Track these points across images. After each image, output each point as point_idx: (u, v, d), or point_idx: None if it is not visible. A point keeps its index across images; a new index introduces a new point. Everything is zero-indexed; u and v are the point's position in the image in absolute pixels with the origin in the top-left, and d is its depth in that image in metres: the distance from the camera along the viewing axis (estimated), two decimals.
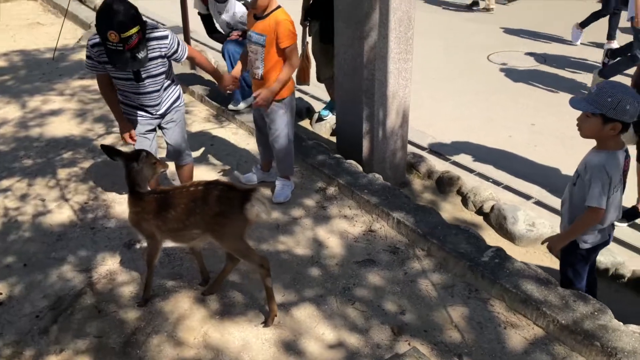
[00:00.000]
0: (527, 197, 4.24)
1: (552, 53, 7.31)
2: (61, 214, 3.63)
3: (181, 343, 2.59)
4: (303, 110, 5.45)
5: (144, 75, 3.08)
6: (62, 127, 4.87)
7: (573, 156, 4.50)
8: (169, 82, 3.29)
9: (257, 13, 3.28)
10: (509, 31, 8.31)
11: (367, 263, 3.03)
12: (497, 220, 3.83)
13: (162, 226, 2.65)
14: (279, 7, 3.30)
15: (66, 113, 5.17)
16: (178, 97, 3.39)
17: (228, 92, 3.61)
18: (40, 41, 7.55)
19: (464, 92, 5.99)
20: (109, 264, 3.16)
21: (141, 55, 2.88)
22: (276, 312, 2.65)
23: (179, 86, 3.41)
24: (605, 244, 2.70)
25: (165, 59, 3.14)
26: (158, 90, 3.21)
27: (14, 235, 3.44)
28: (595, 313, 2.43)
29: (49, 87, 5.82)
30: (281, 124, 3.45)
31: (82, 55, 6.89)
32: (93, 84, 5.83)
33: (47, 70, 6.36)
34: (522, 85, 6.30)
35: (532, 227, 3.69)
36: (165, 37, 3.06)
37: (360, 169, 3.93)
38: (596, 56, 7.02)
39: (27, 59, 6.83)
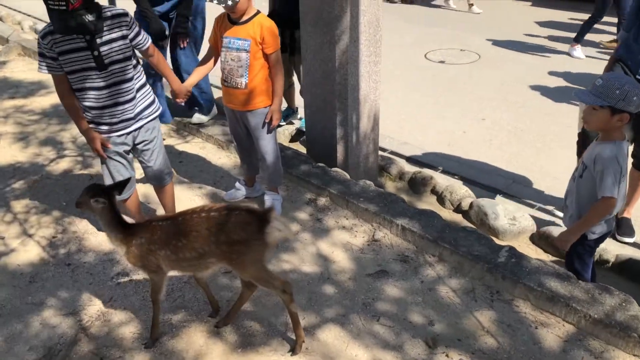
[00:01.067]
0: (495, 191, 4.34)
1: (487, 50, 7.58)
2: (28, 252, 3.25)
3: None
4: None
5: (106, 61, 2.69)
6: (4, 153, 4.39)
7: (526, 148, 4.77)
8: (139, 80, 2.92)
9: (235, 18, 3.09)
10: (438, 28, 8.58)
11: (380, 275, 2.94)
12: (478, 216, 3.86)
13: (170, 256, 2.40)
14: (258, 11, 3.15)
15: (4, 138, 4.67)
16: (152, 102, 3.02)
17: (179, 102, 3.30)
18: None
19: (408, 90, 6.07)
20: (98, 304, 2.85)
21: (88, 18, 2.47)
22: (303, 338, 2.50)
23: (151, 91, 3.06)
24: (608, 233, 2.78)
25: (128, 42, 2.77)
26: (128, 81, 2.81)
27: None
28: (623, 304, 2.48)
29: None
30: (266, 131, 3.29)
31: (4, 72, 6.31)
32: (27, 103, 5.35)
33: None
34: (465, 80, 6.49)
35: (514, 221, 3.75)
36: (125, 14, 2.73)
37: (348, 176, 3.83)
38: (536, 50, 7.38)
39: None
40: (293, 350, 2.48)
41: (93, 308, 2.82)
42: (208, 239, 2.33)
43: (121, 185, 2.56)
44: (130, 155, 3.05)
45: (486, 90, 6.13)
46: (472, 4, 9.22)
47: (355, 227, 3.34)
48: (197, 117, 4.63)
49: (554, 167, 4.51)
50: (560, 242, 2.76)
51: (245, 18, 3.06)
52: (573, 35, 7.23)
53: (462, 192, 4.09)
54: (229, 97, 3.26)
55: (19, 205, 3.68)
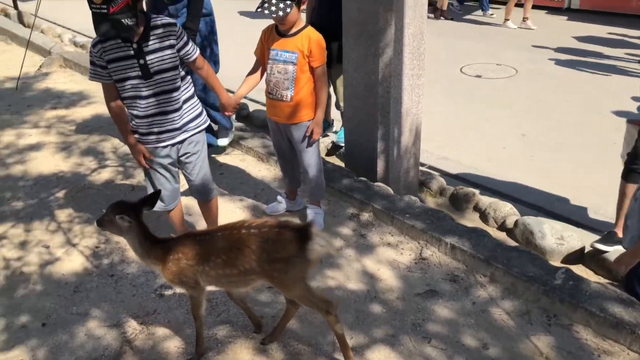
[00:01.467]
0: (538, 209, 4.22)
1: (524, 65, 7.46)
2: (72, 262, 3.25)
3: None
4: None
5: (152, 70, 2.68)
6: (47, 163, 4.44)
7: (569, 165, 4.64)
8: (187, 91, 2.88)
9: (284, 30, 3.07)
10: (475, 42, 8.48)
11: (429, 295, 2.84)
12: (524, 235, 3.73)
13: (209, 272, 2.33)
14: (307, 24, 3.12)
15: (47, 147, 4.73)
16: (200, 114, 2.97)
17: (228, 115, 3.29)
18: None
19: (445, 104, 5.98)
20: (141, 316, 2.82)
21: (128, 21, 2.48)
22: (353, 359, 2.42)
23: (199, 103, 3.02)
24: None
25: (176, 53, 2.74)
26: (174, 91, 2.79)
27: (23, 289, 3.04)
28: None
29: (20, 120, 5.33)
30: (313, 146, 3.26)
31: (46, 83, 6.43)
32: (69, 114, 5.42)
33: (13, 102, 5.85)
34: (502, 95, 6.38)
35: (562, 241, 3.60)
36: (173, 24, 2.72)
37: (391, 191, 3.75)
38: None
39: None
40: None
41: (137, 320, 2.79)
42: (249, 257, 2.25)
43: (149, 201, 2.45)
44: (175, 168, 3.03)
45: (525, 105, 6.01)
46: (526, 18, 8.98)
47: (401, 244, 3.25)
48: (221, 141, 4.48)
49: (598, 186, 4.36)
50: (618, 265, 2.63)
51: (293, 30, 3.04)
52: (611, 49, 7.08)
53: (507, 209, 3.98)
54: (274, 109, 3.22)
55: (62, 215, 3.70)
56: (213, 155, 4.47)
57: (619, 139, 5.07)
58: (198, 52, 2.85)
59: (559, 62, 7.40)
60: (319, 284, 2.95)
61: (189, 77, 2.91)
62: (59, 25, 9.17)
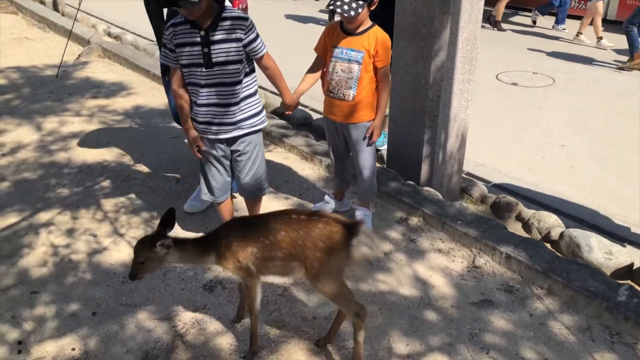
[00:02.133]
0: (580, 221, 4.14)
1: (561, 74, 7.35)
2: (120, 252, 3.23)
3: None
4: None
5: (214, 60, 2.65)
6: (91, 151, 4.45)
7: (610, 178, 4.55)
8: (248, 88, 2.83)
9: (351, 28, 3.02)
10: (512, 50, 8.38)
11: (485, 304, 2.78)
12: (570, 248, 3.65)
13: (257, 254, 2.29)
14: (374, 24, 3.07)
15: (90, 136, 4.74)
16: (259, 113, 2.90)
17: (288, 113, 3.23)
18: (34, 57, 7.06)
19: (482, 111, 5.90)
20: (191, 311, 2.79)
21: None
22: None
23: (260, 101, 2.95)
24: None
25: (242, 47, 2.69)
26: (233, 85, 2.74)
27: (72, 277, 3.03)
28: None
29: (62, 108, 5.36)
30: (370, 148, 3.21)
31: (86, 72, 6.46)
32: (110, 103, 5.44)
33: (54, 89, 5.89)
34: (539, 104, 6.29)
35: (610, 256, 3.52)
36: (244, 18, 2.68)
37: (441, 197, 3.70)
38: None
39: (27, 76, 6.33)
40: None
41: (187, 315, 2.76)
42: (295, 241, 2.23)
43: (167, 222, 2.35)
44: (227, 162, 3.00)
45: (563, 115, 5.92)
46: (600, 37, 8.57)
47: (452, 251, 3.19)
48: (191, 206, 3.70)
49: None
50: None
51: (361, 29, 2.99)
52: None
53: (552, 220, 3.90)
54: (333, 108, 3.18)
55: (108, 204, 3.70)
56: None
57: None
58: (266, 50, 2.80)
59: (596, 72, 7.29)
60: (370, 288, 2.90)
61: (254, 74, 2.87)
62: (93, 15, 9.25)
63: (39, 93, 5.75)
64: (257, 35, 2.74)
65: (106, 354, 2.55)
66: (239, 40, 2.68)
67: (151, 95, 5.71)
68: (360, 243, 2.20)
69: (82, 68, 6.60)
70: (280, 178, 4.04)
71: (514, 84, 7.13)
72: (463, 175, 4.65)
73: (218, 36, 2.64)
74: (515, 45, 8.64)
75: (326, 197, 3.60)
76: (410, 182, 3.83)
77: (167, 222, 2.35)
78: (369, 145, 3.19)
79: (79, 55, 7.03)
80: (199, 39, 2.64)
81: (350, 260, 2.25)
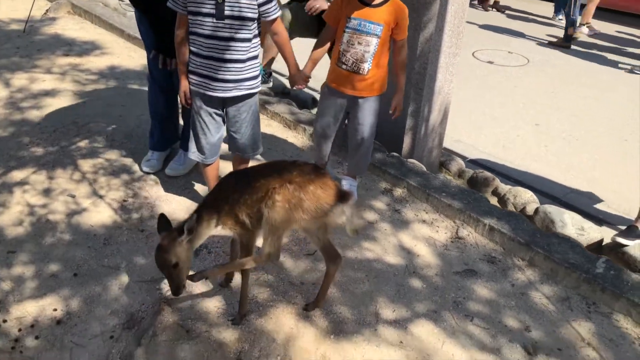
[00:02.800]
0: (552, 198, 4.27)
1: (535, 55, 7.46)
2: (99, 214, 3.15)
3: None
4: (308, 102, 5.18)
5: (227, 12, 2.57)
6: (65, 110, 4.28)
7: (583, 158, 4.70)
8: (253, 49, 2.75)
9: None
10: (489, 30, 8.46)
11: (468, 274, 2.84)
12: (544, 223, 3.75)
13: (247, 200, 2.25)
14: None
15: (64, 94, 4.56)
16: (257, 76, 2.84)
17: (298, 89, 3.14)
18: None
19: (458, 87, 5.94)
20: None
21: None
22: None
23: (259, 65, 2.89)
24: None
25: (256, 5, 2.60)
26: (241, 41, 2.66)
27: (50, 237, 2.94)
28: None
29: (31, 64, 5.13)
30: (373, 121, 3.14)
31: (55, 29, 6.19)
32: (82, 62, 5.24)
33: (21, 44, 5.62)
34: (515, 83, 6.39)
35: (582, 231, 3.64)
36: None
37: (425, 169, 3.73)
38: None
39: None
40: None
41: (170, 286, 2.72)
42: (290, 201, 2.18)
43: (164, 225, 2.31)
44: (221, 119, 2.93)
45: (537, 95, 6.04)
46: (588, 24, 8.53)
47: (436, 222, 3.24)
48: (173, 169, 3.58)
49: (612, 181, 4.43)
50: None
51: (380, 0, 2.87)
52: (620, 47, 7.18)
53: (527, 196, 4.00)
54: (343, 81, 3.03)
55: (86, 165, 3.58)
56: None
57: (629, 135, 5.17)
58: (279, 14, 2.72)
59: (571, 55, 7.44)
60: (357, 255, 2.92)
61: (258, 38, 2.79)
62: None
63: (5, 48, 5.48)
64: None
65: (89, 315, 2.49)
66: None
67: (126, 55, 5.51)
68: (343, 210, 2.23)
69: (51, 24, 6.31)
70: (264, 146, 3.96)
71: (490, 62, 7.21)
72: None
73: None
74: (497, 26, 8.71)
75: None
76: (395, 154, 3.84)
77: (164, 225, 2.30)
78: (376, 120, 3.14)
79: (47, 11, 6.71)
80: None
81: (322, 218, 2.25)
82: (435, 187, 3.40)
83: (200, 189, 3.40)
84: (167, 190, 3.37)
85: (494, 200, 4.10)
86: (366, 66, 2.95)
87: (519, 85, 6.35)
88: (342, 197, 2.24)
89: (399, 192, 3.49)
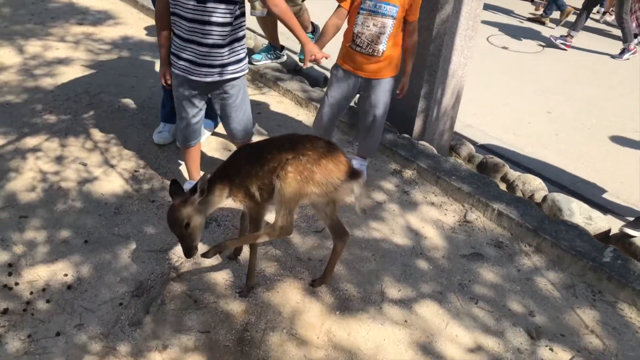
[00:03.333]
0: (560, 187, 4.26)
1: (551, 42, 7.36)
2: (111, 183, 3.18)
3: (305, 342, 2.31)
4: (320, 80, 5.15)
5: None
6: (79, 79, 4.29)
7: (594, 147, 4.67)
8: (236, 32, 2.64)
9: None
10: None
11: (474, 257, 2.85)
12: (551, 211, 3.75)
13: (259, 172, 2.24)
14: None
15: (77, 63, 4.56)
16: (243, 59, 2.75)
17: (310, 64, 2.88)
18: None
19: (471, 72, 5.89)
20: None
21: None
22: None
23: (245, 47, 2.78)
24: None
25: None
26: (222, 25, 2.56)
27: (62, 204, 2.97)
28: None
29: (45, 31, 5.13)
30: (386, 102, 3.12)
31: None
32: (96, 32, 5.23)
33: (35, 11, 5.61)
34: (529, 70, 6.33)
35: (590, 221, 3.63)
36: None
37: (435, 151, 3.72)
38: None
39: None
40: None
41: (181, 249, 2.75)
42: (294, 150, 2.19)
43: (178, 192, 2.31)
44: (203, 104, 2.85)
45: (551, 83, 5.99)
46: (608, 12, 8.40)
47: (444, 205, 3.24)
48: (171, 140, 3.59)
49: (622, 171, 4.41)
50: None
51: None
52: None
53: (536, 183, 3.99)
54: (357, 63, 2.99)
55: (98, 134, 3.60)
56: (249, 94, 4.36)
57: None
58: None
59: (587, 43, 7.35)
60: (364, 235, 2.94)
61: (244, 17, 2.69)
62: None
63: (19, 14, 5.48)
64: None
65: (99, 281, 2.53)
66: None
67: (139, 27, 5.50)
68: (352, 187, 2.24)
69: None
70: (274, 122, 3.98)
71: (504, 47, 7.14)
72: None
73: None
74: (511, 10, 8.61)
75: None
76: (406, 135, 3.83)
77: (178, 193, 2.30)
78: (389, 101, 3.13)
79: None
80: None
81: (331, 194, 2.24)
82: (445, 170, 3.39)
83: (210, 161, 3.41)
84: (177, 161, 3.38)
85: (502, 187, 4.10)
86: (381, 48, 2.93)
87: (532, 72, 6.29)
88: (353, 174, 2.25)
89: (408, 173, 3.49)
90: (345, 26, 3.08)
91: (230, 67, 2.71)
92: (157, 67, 4.62)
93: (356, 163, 3.37)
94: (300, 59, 4.47)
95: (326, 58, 2.81)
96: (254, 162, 2.27)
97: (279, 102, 4.27)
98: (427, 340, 2.36)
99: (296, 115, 4.12)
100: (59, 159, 3.31)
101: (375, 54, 2.94)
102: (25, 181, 3.10)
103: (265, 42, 4.88)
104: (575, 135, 4.97)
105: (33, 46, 4.78)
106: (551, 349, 2.36)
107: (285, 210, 2.20)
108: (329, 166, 2.19)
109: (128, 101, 4.04)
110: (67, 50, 4.77)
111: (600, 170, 4.42)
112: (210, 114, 3.48)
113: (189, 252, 2.28)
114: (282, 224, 2.22)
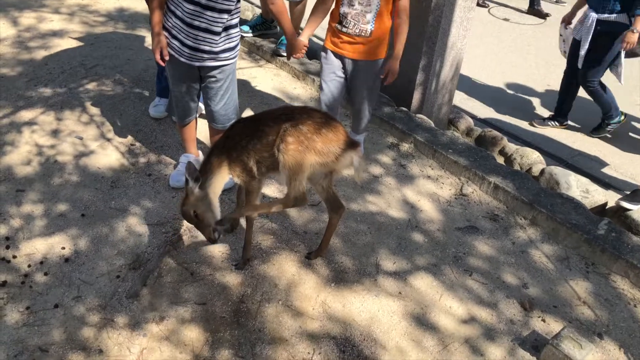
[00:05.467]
0: (559, 160, 4.26)
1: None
2: (107, 156, 3.18)
3: (300, 314, 2.34)
4: (319, 52, 5.08)
5: None
6: (73, 52, 4.25)
7: (594, 122, 4.63)
8: (233, 18, 2.58)
9: None
10: None
11: (470, 230, 2.87)
12: (549, 184, 3.75)
13: (257, 144, 2.24)
14: None
15: (72, 35, 4.51)
16: (235, 47, 2.69)
17: (297, 57, 2.88)
18: None
19: (472, 45, 5.81)
20: (182, 219, 2.78)
21: None
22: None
23: (238, 34, 2.71)
24: None
25: None
26: (222, 12, 2.49)
27: (58, 178, 2.98)
28: None
29: (39, 3, 5.06)
30: (376, 84, 3.02)
31: None
32: (91, 3, 5.16)
33: None
34: (529, 42, 6.26)
35: (587, 194, 3.64)
36: None
37: (433, 124, 3.70)
38: None
39: None
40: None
41: (178, 222, 2.77)
42: (292, 120, 2.19)
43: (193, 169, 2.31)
44: (197, 85, 2.78)
45: (551, 56, 5.92)
46: None
47: (441, 178, 3.25)
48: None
49: (620, 145, 4.39)
50: None
51: None
52: None
53: (534, 157, 3.98)
54: (344, 44, 2.86)
55: (93, 108, 3.59)
56: (245, 67, 4.33)
57: None
58: None
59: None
60: (360, 208, 2.95)
61: (239, 4, 2.61)
62: None
63: None
64: None
65: (97, 254, 2.55)
66: None
67: None
68: (352, 157, 2.24)
69: None
70: (271, 95, 3.96)
71: (506, 19, 7.05)
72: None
73: None
74: None
75: None
76: (404, 109, 3.81)
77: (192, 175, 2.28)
78: (379, 83, 3.01)
79: None
80: None
81: (333, 164, 2.24)
82: (442, 143, 3.39)
83: (204, 136, 3.40)
84: (173, 135, 3.38)
85: (500, 160, 4.10)
86: (369, 28, 2.79)
87: (532, 45, 6.22)
88: (352, 144, 2.25)
89: (405, 147, 3.49)
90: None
91: (223, 55, 2.65)
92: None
93: (354, 137, 3.36)
94: (278, 48, 4.39)
95: (306, 46, 2.81)
96: (250, 136, 2.26)
97: (275, 75, 4.24)
98: (421, 311, 2.39)
99: (293, 88, 4.09)
100: (55, 133, 3.31)
101: (363, 34, 2.81)
102: (21, 155, 3.10)
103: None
104: (574, 109, 4.92)
105: (27, 18, 4.72)
106: (543, 320, 2.39)
107: (294, 181, 2.20)
108: (329, 135, 2.19)
109: (123, 74, 4.01)
110: (61, 22, 4.71)
111: (599, 144, 4.41)
112: None
113: (209, 238, 2.35)
114: (296, 194, 2.22)
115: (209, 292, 2.40)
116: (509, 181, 3.07)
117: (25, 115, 3.43)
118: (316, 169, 2.26)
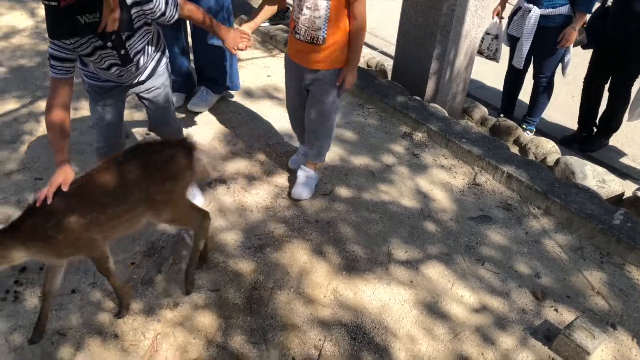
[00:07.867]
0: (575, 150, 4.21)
1: None
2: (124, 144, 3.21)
3: (312, 301, 2.36)
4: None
5: (132, 53, 2.26)
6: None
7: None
8: (148, 38, 2.34)
9: None
10: None
11: (483, 220, 2.86)
12: (564, 174, 3.71)
13: (99, 218, 2.01)
14: None
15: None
16: (161, 58, 2.50)
17: (239, 50, 2.62)
18: None
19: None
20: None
21: (85, 19, 1.89)
22: (192, 286, 2.38)
23: (165, 50, 2.53)
24: None
25: (151, 26, 2.30)
26: (146, 46, 2.35)
27: (76, 167, 2.98)
28: None
29: None
30: (334, 98, 2.71)
31: None
32: None
33: None
34: None
35: (603, 184, 3.59)
36: (149, 0, 2.12)
37: (447, 114, 3.69)
38: None
39: None
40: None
41: None
42: (138, 186, 2.03)
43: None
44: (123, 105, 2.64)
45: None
46: None
47: (454, 167, 3.23)
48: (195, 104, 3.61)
49: (638, 135, 4.32)
50: None
51: None
52: None
53: (549, 146, 3.95)
54: (298, 52, 2.62)
55: None
56: (258, 57, 4.34)
57: None
58: (176, 12, 2.25)
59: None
60: (372, 197, 2.95)
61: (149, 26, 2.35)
62: None
63: None
64: (166, 4, 2.18)
65: (112, 241, 2.59)
66: (147, 24, 2.26)
67: None
68: (201, 155, 2.18)
69: None
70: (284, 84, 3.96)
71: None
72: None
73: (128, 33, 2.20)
74: None
75: (300, 149, 3.15)
76: (417, 98, 3.80)
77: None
78: (338, 95, 2.72)
79: None
80: (110, 44, 2.17)
81: (193, 177, 2.20)
82: (456, 132, 3.37)
83: (218, 127, 3.43)
84: (187, 125, 3.40)
85: (515, 150, 4.07)
86: (320, 34, 2.49)
87: None
88: (188, 150, 2.15)
89: (419, 136, 3.48)
90: None
91: (152, 71, 2.49)
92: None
93: (302, 174, 2.93)
94: None
95: (248, 40, 2.61)
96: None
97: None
98: (432, 300, 2.40)
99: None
100: (72, 122, 3.32)
101: (315, 41, 2.52)
102: (39, 144, 3.16)
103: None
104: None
105: None
106: (556, 310, 2.38)
107: (178, 217, 2.23)
108: (173, 169, 2.11)
109: None
110: None
111: (616, 134, 4.34)
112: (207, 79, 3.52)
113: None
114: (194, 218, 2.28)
115: (222, 279, 2.44)
116: (523, 170, 3.05)
117: (43, 105, 3.46)
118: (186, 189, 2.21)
